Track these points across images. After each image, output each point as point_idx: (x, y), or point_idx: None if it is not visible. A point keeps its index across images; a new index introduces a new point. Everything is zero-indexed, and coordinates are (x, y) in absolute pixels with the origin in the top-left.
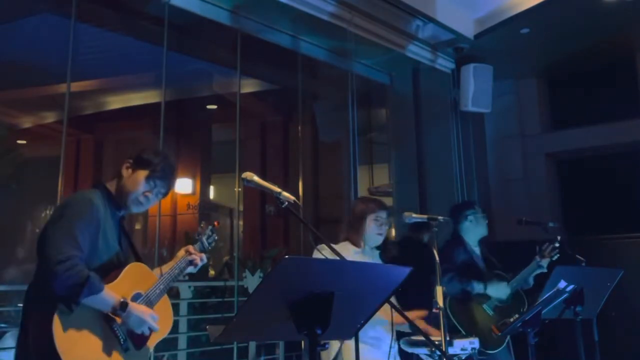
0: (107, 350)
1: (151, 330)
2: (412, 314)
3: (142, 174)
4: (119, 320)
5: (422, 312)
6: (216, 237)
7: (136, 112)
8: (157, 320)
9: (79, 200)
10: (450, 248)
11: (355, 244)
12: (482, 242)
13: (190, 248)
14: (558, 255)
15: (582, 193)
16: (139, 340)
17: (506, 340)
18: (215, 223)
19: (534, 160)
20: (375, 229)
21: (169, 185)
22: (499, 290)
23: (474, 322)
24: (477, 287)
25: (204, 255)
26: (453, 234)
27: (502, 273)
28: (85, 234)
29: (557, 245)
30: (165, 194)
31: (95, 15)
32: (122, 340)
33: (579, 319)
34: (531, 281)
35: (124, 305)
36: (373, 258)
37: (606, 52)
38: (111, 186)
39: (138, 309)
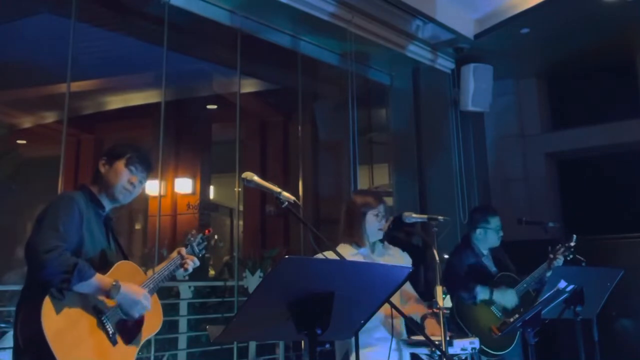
0: (94, 341)
1: (143, 318)
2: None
3: (120, 163)
4: (111, 303)
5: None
6: (206, 245)
7: (136, 112)
8: (148, 299)
9: (60, 198)
10: (459, 253)
11: (355, 241)
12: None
13: (182, 250)
14: (572, 255)
15: (582, 193)
16: (128, 335)
17: (515, 342)
18: (207, 231)
19: (534, 160)
20: (377, 225)
21: (149, 167)
22: (505, 297)
23: (481, 325)
24: (482, 293)
25: (195, 259)
26: (464, 236)
27: (514, 275)
28: (68, 226)
29: (572, 244)
30: (146, 178)
31: (95, 15)
32: (110, 333)
33: (579, 319)
34: (546, 282)
35: (116, 288)
36: (379, 253)
37: (606, 52)
38: (94, 188)
39: (131, 289)
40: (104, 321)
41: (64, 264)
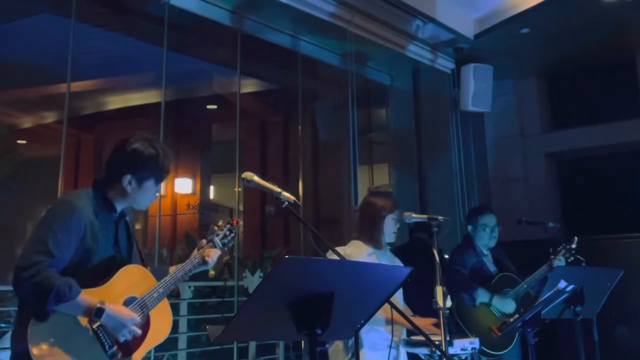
0: (89, 357)
1: (134, 335)
2: (422, 321)
3: (149, 183)
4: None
5: (432, 320)
6: (234, 236)
7: (136, 112)
8: (138, 324)
9: (59, 204)
10: (461, 252)
11: (373, 243)
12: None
13: (203, 242)
14: (573, 257)
15: (582, 193)
16: (128, 347)
17: (514, 342)
18: (234, 222)
19: (534, 160)
20: (393, 228)
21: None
22: (504, 305)
23: (481, 325)
24: (482, 296)
25: (216, 251)
26: (466, 235)
27: (514, 275)
28: (60, 237)
29: (573, 246)
30: None
31: (95, 15)
32: (107, 346)
33: (579, 318)
34: (546, 282)
35: (99, 312)
36: (388, 258)
37: (606, 52)
38: (109, 191)
39: (116, 312)
40: (100, 335)
41: (41, 283)
